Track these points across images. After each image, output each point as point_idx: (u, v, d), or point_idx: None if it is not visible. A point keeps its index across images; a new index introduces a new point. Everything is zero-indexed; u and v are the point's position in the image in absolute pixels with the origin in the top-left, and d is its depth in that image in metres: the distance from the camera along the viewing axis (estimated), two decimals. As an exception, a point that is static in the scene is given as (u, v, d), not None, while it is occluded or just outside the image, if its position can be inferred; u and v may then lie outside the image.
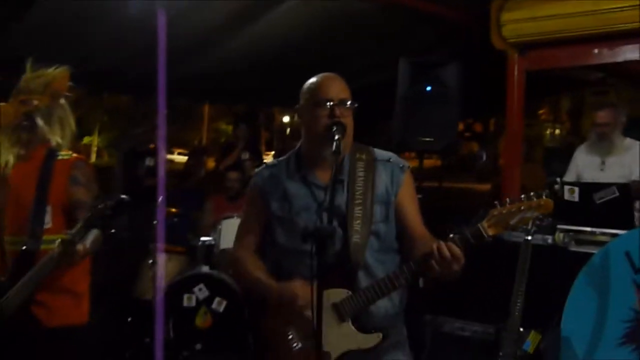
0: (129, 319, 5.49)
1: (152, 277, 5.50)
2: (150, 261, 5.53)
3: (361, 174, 2.40)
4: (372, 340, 2.34)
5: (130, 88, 10.08)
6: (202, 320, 5.19)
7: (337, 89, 2.40)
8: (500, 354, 3.87)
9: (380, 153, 2.51)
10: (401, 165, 2.48)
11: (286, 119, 29.59)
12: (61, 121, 2.88)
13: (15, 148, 2.82)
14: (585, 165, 4.97)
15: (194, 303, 5.20)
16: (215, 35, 6.18)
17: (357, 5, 5.50)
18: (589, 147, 5.06)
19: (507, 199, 2.24)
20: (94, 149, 29.66)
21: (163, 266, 5.56)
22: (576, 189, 4.26)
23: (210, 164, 10.16)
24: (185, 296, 5.21)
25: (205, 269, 5.33)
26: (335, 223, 2.34)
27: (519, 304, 3.87)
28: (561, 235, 4.30)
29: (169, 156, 35.58)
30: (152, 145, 8.51)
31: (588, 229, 4.23)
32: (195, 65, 6.82)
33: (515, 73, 4.98)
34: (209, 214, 6.20)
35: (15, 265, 2.75)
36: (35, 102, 2.80)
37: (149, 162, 7.14)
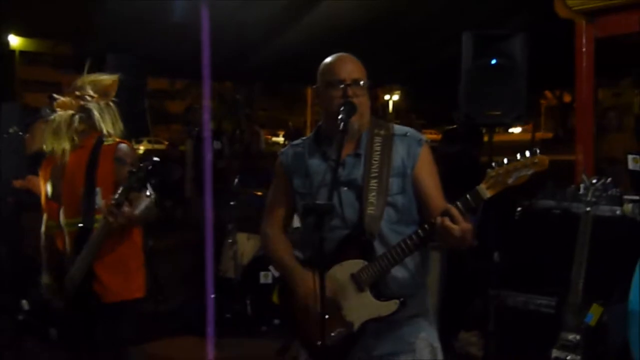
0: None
1: (231, 256, 5.80)
2: (230, 241, 5.83)
3: (378, 148, 2.47)
4: (390, 307, 2.40)
5: (230, 75, 10.48)
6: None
7: (350, 69, 2.47)
8: (563, 327, 3.84)
9: (398, 128, 2.56)
10: (418, 139, 2.53)
11: (387, 97, 29.49)
12: (112, 117, 3.16)
13: (71, 136, 3.10)
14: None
15: (270, 280, 5.43)
16: (306, 13, 6.36)
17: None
18: None
19: (505, 159, 2.25)
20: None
21: (242, 245, 5.84)
22: (640, 158, 4.11)
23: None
24: (262, 274, 5.46)
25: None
26: (351, 196, 2.45)
27: (580, 277, 3.82)
28: (630, 205, 4.17)
29: (274, 138, 36.41)
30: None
31: (657, 199, 4.08)
32: (293, 46, 7.03)
33: (584, 41, 4.81)
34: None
35: (74, 244, 3.05)
36: (89, 98, 3.09)
37: (216, 145, 7.44)
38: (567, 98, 27.01)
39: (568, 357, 3.77)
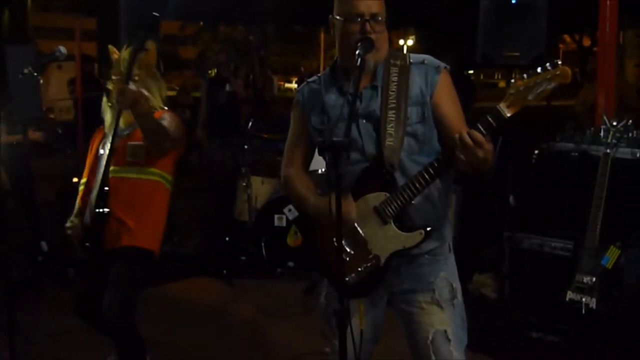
0: (227, 239, 5.82)
1: (246, 199, 5.81)
2: (244, 184, 5.83)
3: (395, 78, 2.39)
4: (415, 238, 2.37)
5: (240, 17, 10.35)
6: (292, 240, 5.42)
7: (368, 2, 2.35)
8: (578, 269, 3.83)
9: (415, 57, 2.46)
10: (436, 66, 2.42)
11: (401, 41, 29.08)
12: (158, 87, 3.28)
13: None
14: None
15: (284, 223, 5.44)
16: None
17: None
18: None
19: (524, 74, 2.12)
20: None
21: (256, 189, 5.84)
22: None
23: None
24: (276, 217, 5.46)
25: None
26: (370, 128, 2.38)
27: (598, 219, 3.79)
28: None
29: (287, 85, 36.13)
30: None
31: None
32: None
33: (609, -23, 4.64)
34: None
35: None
36: (136, 78, 3.12)
37: (228, 88, 7.39)
38: (586, 42, 26.40)
39: (583, 299, 3.77)
